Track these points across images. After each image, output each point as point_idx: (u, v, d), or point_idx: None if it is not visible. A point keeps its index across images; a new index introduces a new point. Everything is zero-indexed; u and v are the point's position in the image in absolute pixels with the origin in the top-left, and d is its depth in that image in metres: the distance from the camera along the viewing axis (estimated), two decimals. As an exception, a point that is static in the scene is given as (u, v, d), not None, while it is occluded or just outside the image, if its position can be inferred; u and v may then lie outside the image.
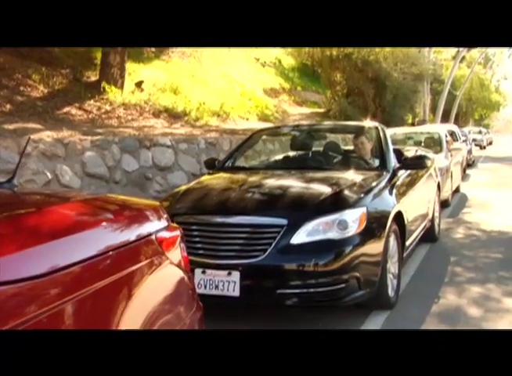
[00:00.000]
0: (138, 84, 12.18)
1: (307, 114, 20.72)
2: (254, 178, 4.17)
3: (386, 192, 3.96)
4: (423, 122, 26.62)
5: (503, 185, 12.08)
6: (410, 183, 4.76)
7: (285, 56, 25.64)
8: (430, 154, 6.71)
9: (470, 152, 17.68)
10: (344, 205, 3.46)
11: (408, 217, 4.31)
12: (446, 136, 10.21)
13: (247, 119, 14.27)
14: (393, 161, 4.44)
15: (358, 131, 4.97)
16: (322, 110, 21.69)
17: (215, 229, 3.43)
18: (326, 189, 3.70)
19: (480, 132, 34.80)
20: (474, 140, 24.40)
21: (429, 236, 5.98)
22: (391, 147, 4.60)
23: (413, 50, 23.15)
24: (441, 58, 36.00)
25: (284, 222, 3.31)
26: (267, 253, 3.24)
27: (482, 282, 4.52)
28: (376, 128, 4.85)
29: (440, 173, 8.08)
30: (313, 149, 5.40)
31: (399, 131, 10.84)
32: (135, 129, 8.04)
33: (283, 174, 4.28)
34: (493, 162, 20.86)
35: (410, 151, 6.01)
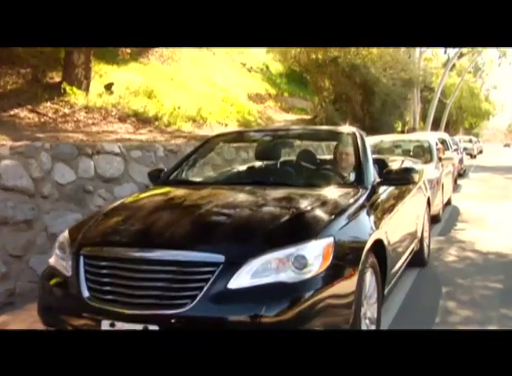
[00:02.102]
0: (108, 87, 11.36)
1: (293, 121, 20.00)
2: (195, 198, 3.31)
3: (362, 215, 3.11)
4: (413, 130, 26.07)
5: (497, 197, 11.33)
6: (394, 201, 3.93)
7: (273, 61, 25.07)
8: (418, 165, 5.90)
9: (461, 161, 16.93)
10: (304, 235, 2.60)
11: (390, 244, 3.48)
12: (437, 145, 9.43)
13: (226, 125, 13.43)
14: (372, 176, 3.59)
15: (332, 138, 4.15)
16: (308, 117, 20.98)
17: (130, 267, 2.55)
18: (281, 214, 2.85)
19: (470, 141, 34.22)
20: (464, 149, 23.68)
21: (417, 260, 5.15)
22: (370, 158, 3.75)
23: (403, 55, 22.52)
24: (432, 66, 35.65)
25: (220, 258, 2.46)
26: (196, 301, 2.38)
27: (482, 323, 3.68)
28: (354, 134, 3.99)
29: (430, 185, 7.32)
30: (282, 159, 4.57)
31: (386, 138, 10.04)
32: (90, 134, 7.17)
33: (236, 191, 3.41)
34: (484, 172, 20.19)
35: (396, 162, 5.18)
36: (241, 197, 3.26)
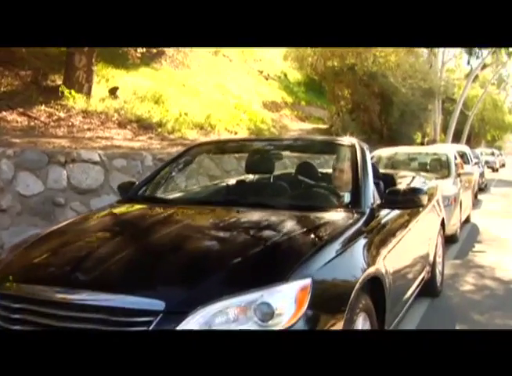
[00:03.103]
0: (112, 91, 10.98)
1: (308, 130, 19.48)
2: (150, 221, 2.75)
3: (354, 246, 2.52)
4: (433, 142, 25.36)
5: (520, 215, 10.60)
6: (399, 225, 3.35)
7: (291, 69, 24.63)
8: (432, 181, 5.29)
9: (482, 175, 16.17)
10: (271, 276, 2.03)
11: (392, 279, 2.89)
12: (456, 158, 8.78)
13: (236, 133, 12.93)
14: (371, 197, 2.99)
15: (329, 150, 3.57)
16: (324, 127, 20.41)
17: (47, 312, 2.01)
18: (248, 246, 2.28)
19: (492, 154, 33.27)
20: (486, 162, 22.83)
21: (428, 289, 4.55)
22: (370, 176, 3.15)
23: (422, 64, 21.87)
24: (454, 77, 34.94)
25: (159, 305, 1.90)
26: None
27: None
28: (353, 146, 3.40)
29: (447, 202, 6.72)
30: (276, 173, 4.02)
31: (401, 150, 9.43)
32: (77, 141, 6.69)
33: (202, 214, 2.84)
34: (507, 186, 19.32)
35: (406, 178, 4.59)
36: (205, 222, 2.69)
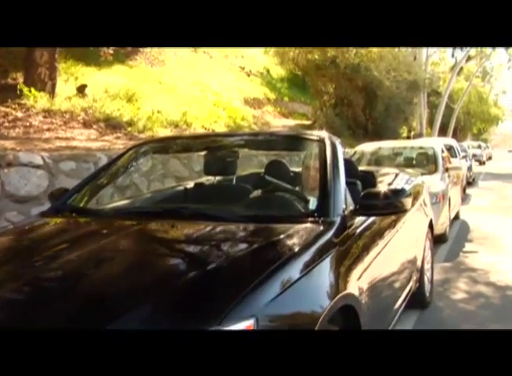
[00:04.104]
0: (80, 89, 10.40)
1: (291, 126, 19.04)
2: (62, 243, 2.17)
3: (319, 268, 1.96)
4: (419, 136, 25.03)
5: (511, 209, 10.14)
6: (379, 234, 2.80)
7: (274, 65, 24.20)
8: (418, 178, 4.77)
9: (470, 169, 15.78)
10: (199, 319, 1.49)
11: (370, 303, 2.35)
12: (443, 152, 8.31)
13: (213, 130, 12.37)
14: (342, 202, 2.43)
15: (294, 147, 3.02)
16: (308, 122, 19.98)
17: None
18: (171, 277, 1.73)
19: (479, 147, 33.09)
20: (473, 155, 22.48)
21: (416, 300, 4.03)
22: (341, 176, 2.56)
23: (407, 56, 21.46)
24: (439, 70, 34.77)
25: None
26: None
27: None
28: (322, 141, 2.83)
29: (435, 200, 6.24)
30: (243, 173, 3.49)
31: (386, 145, 8.94)
32: (33, 142, 6.09)
33: (132, 231, 2.26)
34: (495, 179, 18.95)
35: (388, 176, 4.06)
36: (127, 243, 2.10)
